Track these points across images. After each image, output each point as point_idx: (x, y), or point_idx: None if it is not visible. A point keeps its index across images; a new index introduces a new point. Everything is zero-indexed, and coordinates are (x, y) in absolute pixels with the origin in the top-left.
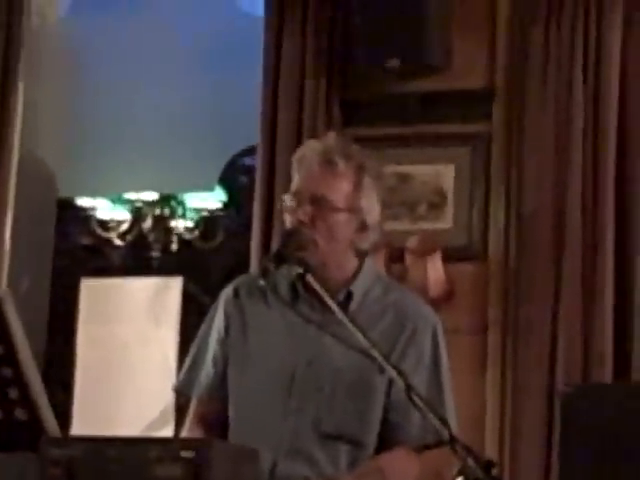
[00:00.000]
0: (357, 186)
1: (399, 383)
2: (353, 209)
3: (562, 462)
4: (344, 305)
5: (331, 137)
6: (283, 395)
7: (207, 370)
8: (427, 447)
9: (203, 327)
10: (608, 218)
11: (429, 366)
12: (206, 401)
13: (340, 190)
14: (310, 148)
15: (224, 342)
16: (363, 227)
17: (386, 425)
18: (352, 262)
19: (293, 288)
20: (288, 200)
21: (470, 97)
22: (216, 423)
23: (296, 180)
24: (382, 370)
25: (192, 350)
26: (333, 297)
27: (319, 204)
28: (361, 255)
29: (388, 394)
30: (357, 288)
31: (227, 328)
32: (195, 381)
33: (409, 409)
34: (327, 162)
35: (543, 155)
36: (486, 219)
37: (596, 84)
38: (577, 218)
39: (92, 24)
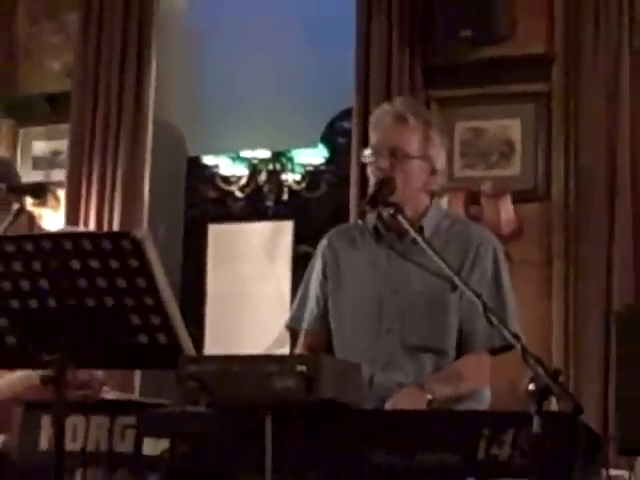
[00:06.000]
0: (426, 137)
1: (475, 301)
2: (425, 156)
3: (618, 372)
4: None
5: (399, 100)
6: (375, 320)
7: (312, 308)
8: (495, 350)
9: (307, 271)
10: None
11: (491, 282)
12: (312, 333)
13: (412, 141)
14: (383, 110)
15: (323, 284)
16: (433, 171)
17: (459, 335)
18: (424, 202)
19: (376, 230)
20: (369, 154)
21: (533, 61)
22: (322, 350)
23: (373, 137)
24: (454, 289)
25: (299, 292)
26: (407, 232)
27: (396, 154)
28: (431, 196)
29: (459, 309)
30: (427, 223)
31: (325, 272)
32: (303, 317)
33: (476, 319)
34: (399, 118)
35: (596, 111)
36: (549, 166)
37: None
38: (626, 166)
39: (210, 4)
